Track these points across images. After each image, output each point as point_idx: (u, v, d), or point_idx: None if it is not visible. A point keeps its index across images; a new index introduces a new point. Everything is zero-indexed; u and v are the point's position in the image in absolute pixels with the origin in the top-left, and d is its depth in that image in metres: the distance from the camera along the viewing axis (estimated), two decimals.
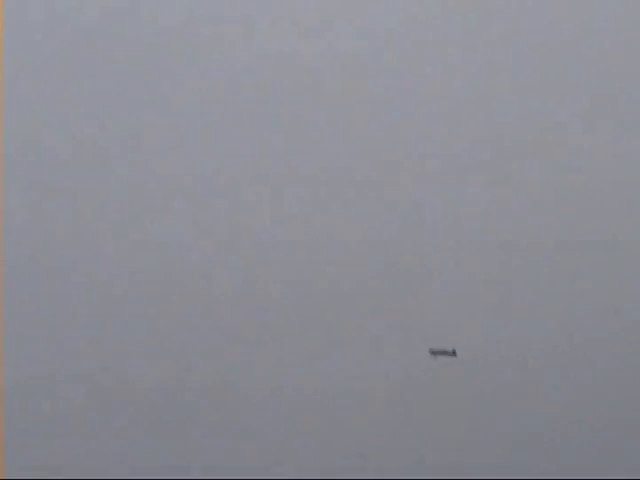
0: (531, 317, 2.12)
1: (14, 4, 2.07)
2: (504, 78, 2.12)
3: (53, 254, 2.10)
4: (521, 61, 2.11)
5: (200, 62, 2.09)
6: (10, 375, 2.09)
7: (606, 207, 2.13)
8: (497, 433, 2.13)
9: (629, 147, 2.12)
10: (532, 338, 2.12)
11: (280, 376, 2.12)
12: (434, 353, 1.82)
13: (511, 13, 2.09)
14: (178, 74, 2.09)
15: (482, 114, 2.12)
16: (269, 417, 2.13)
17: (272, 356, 2.12)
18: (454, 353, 1.82)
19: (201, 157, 2.11)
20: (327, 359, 2.12)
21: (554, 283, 2.12)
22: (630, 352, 2.15)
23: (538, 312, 2.12)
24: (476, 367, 2.04)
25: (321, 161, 2.11)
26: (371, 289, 2.11)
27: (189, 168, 2.11)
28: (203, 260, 2.11)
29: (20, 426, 2.09)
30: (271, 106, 2.10)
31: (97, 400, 2.12)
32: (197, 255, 2.11)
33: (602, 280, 2.14)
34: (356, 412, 2.13)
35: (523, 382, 2.12)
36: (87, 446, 2.11)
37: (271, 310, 2.12)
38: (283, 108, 2.10)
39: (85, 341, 2.11)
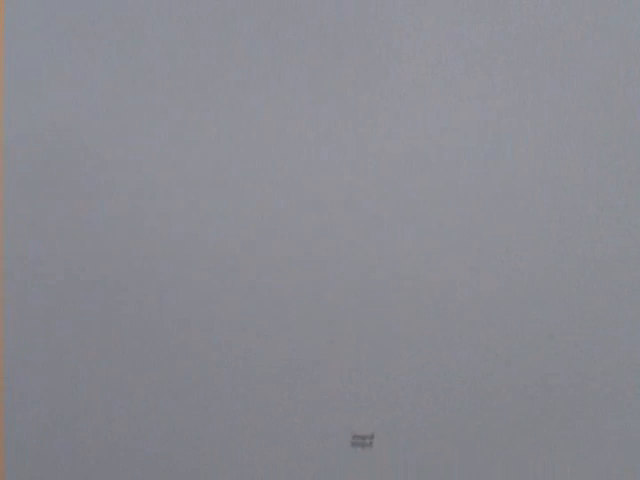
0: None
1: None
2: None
3: (52, 261, 2.11)
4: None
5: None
6: (10, 375, 2.10)
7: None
8: None
9: None
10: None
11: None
12: None
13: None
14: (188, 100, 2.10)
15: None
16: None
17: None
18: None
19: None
20: None
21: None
22: None
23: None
24: None
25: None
26: None
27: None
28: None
29: (20, 429, 2.11)
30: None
31: (100, 403, 2.13)
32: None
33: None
34: None
35: None
36: (87, 444, 2.13)
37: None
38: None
39: (86, 343, 2.12)
